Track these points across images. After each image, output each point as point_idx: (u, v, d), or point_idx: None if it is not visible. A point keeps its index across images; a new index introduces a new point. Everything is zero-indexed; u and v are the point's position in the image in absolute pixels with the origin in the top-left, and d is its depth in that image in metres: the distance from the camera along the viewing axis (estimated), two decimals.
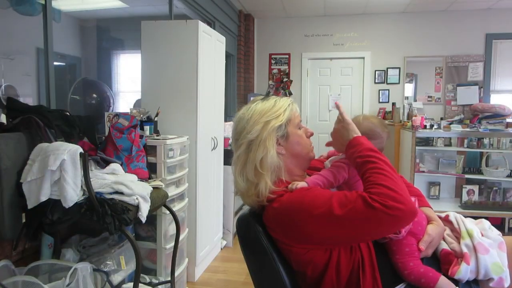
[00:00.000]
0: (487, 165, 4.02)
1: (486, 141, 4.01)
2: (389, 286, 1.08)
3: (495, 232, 1.21)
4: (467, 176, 4.08)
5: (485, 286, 1.12)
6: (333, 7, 5.31)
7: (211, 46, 2.95)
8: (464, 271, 1.09)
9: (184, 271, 2.54)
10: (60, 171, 1.41)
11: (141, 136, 2.17)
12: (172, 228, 2.29)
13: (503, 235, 1.21)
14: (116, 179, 1.60)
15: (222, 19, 4.75)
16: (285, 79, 5.91)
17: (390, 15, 5.51)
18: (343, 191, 1.05)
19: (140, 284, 1.75)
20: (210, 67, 2.94)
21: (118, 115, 2.25)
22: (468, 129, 4.04)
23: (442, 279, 1.06)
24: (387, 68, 5.62)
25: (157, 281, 2.19)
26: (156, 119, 2.58)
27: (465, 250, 1.13)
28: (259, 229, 1.16)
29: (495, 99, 5.32)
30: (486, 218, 1.39)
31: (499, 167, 3.96)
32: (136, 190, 1.60)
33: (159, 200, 1.90)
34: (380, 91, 5.67)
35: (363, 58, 5.68)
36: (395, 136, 4.41)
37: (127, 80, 3.90)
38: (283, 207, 1.08)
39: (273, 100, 1.21)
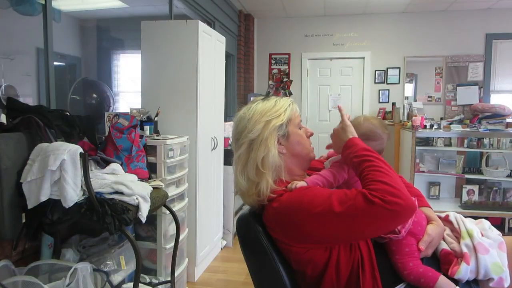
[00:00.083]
0: (487, 165, 4.02)
1: (486, 141, 4.01)
2: (389, 286, 1.08)
3: (495, 232, 1.21)
4: (467, 176, 4.08)
5: (485, 286, 1.12)
6: (333, 7, 5.31)
7: (211, 46, 2.95)
8: (464, 271, 1.09)
9: (184, 271, 2.54)
10: (60, 171, 1.41)
11: (141, 136, 2.17)
12: (172, 228, 2.29)
13: (503, 235, 1.21)
14: (116, 179, 1.60)
15: (222, 19, 4.75)
16: (285, 79, 5.91)
17: (390, 15, 5.51)
18: (342, 189, 1.05)
19: (140, 284, 1.75)
20: (210, 67, 2.94)
21: (118, 115, 2.25)
22: (468, 129, 4.04)
23: (442, 279, 1.06)
24: (387, 68, 5.62)
25: (157, 281, 2.19)
26: (156, 119, 2.58)
27: (465, 250, 1.13)
28: (259, 229, 1.16)
29: (495, 99, 5.32)
30: (486, 218, 1.39)
31: (499, 167, 3.96)
32: (136, 190, 1.60)
33: (159, 200, 1.90)
34: (380, 91, 5.68)
35: (363, 58, 5.68)
36: (395, 136, 4.41)
37: (127, 80, 3.90)
38: (283, 207, 1.08)
39: (274, 100, 1.22)
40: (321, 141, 5.24)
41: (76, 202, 1.44)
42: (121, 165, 1.76)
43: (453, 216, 1.26)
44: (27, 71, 2.55)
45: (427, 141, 4.10)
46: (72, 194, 1.41)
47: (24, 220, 1.47)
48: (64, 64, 3.16)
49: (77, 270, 1.43)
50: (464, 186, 4.02)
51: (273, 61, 5.95)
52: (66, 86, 2.87)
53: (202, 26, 2.73)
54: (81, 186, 1.45)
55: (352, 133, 1.16)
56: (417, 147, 3.89)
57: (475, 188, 3.98)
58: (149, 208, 1.65)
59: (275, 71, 5.95)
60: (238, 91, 5.49)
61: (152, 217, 2.22)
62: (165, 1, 3.56)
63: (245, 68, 5.70)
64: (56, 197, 1.42)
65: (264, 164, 1.12)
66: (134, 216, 1.56)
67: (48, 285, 1.40)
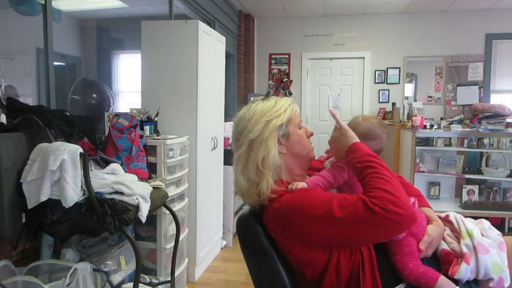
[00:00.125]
0: (487, 165, 4.02)
1: (486, 141, 4.01)
2: (389, 286, 1.08)
3: (495, 232, 1.21)
4: (467, 176, 4.08)
5: (485, 286, 1.12)
6: (333, 7, 5.31)
7: (211, 46, 2.95)
8: (464, 271, 1.09)
9: (184, 271, 2.54)
10: (60, 171, 1.41)
11: (141, 136, 2.17)
12: (172, 228, 2.29)
13: (503, 235, 1.21)
14: (116, 179, 1.60)
15: (222, 19, 4.75)
16: (285, 79, 5.91)
17: (390, 15, 5.51)
18: (343, 194, 1.05)
19: (140, 284, 1.75)
20: (210, 67, 2.94)
21: (118, 115, 2.25)
22: (468, 129, 4.04)
23: (442, 279, 1.06)
24: (387, 68, 5.62)
25: (157, 281, 2.19)
26: (156, 119, 2.58)
27: (465, 250, 1.13)
28: (259, 229, 1.16)
29: (495, 99, 5.32)
30: (486, 218, 1.39)
31: (499, 167, 3.96)
32: (136, 190, 1.60)
33: (159, 200, 1.90)
34: (380, 91, 5.68)
35: (363, 58, 5.68)
36: (395, 136, 4.41)
37: (127, 80, 3.90)
38: (283, 207, 1.08)
39: (274, 100, 1.22)
40: (321, 141, 5.24)
41: (76, 202, 1.44)
42: (121, 165, 1.76)
43: (453, 216, 1.26)
44: (27, 71, 2.55)
45: (427, 141, 4.10)
46: (72, 194, 1.41)
47: (24, 220, 1.47)
48: (64, 64, 3.16)
49: (77, 270, 1.43)
50: (464, 186, 4.02)
51: (273, 61, 5.95)
52: (66, 86, 2.87)
53: (202, 26, 2.73)
54: (81, 186, 1.45)
55: (354, 137, 1.15)
56: (417, 147, 3.89)
57: (475, 188, 3.98)
58: (149, 208, 1.65)
59: (275, 71, 5.95)
60: (238, 91, 5.49)
61: (152, 217, 2.22)
62: (165, 1, 3.56)
63: (245, 68, 5.71)
64: (56, 197, 1.42)
65: (264, 164, 1.12)
66: (134, 216, 1.56)
67: (48, 285, 1.40)
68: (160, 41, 2.74)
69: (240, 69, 5.56)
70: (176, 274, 2.22)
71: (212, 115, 3.05)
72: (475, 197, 3.97)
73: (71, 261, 1.63)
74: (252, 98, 5.79)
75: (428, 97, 5.57)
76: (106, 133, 2.03)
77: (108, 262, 1.72)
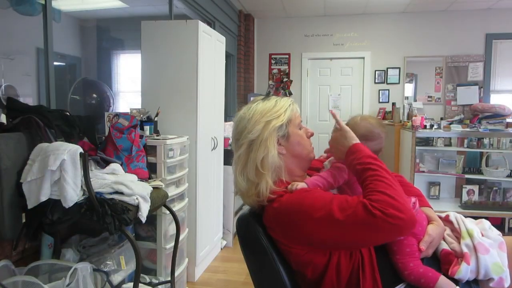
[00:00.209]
0: (487, 165, 4.02)
1: (486, 141, 4.01)
2: (389, 286, 1.08)
3: (495, 232, 1.21)
4: (467, 176, 4.08)
5: (485, 286, 1.12)
6: (333, 7, 5.31)
7: (211, 46, 2.95)
8: (465, 271, 1.09)
9: (184, 271, 2.54)
10: (60, 171, 1.41)
11: (141, 136, 2.17)
12: (172, 228, 2.29)
13: (503, 235, 1.21)
14: (116, 179, 1.60)
15: (222, 19, 4.75)
16: (285, 79, 5.92)
17: (390, 15, 5.51)
18: (344, 195, 1.05)
19: (140, 284, 1.75)
20: (210, 67, 2.94)
21: (118, 115, 2.25)
22: (468, 129, 4.04)
23: (442, 279, 1.06)
24: (387, 68, 5.62)
25: (157, 281, 2.19)
26: (156, 119, 2.58)
27: (465, 250, 1.13)
28: (259, 229, 1.16)
29: (495, 99, 5.32)
30: (486, 218, 1.39)
31: (499, 167, 3.96)
32: (136, 190, 1.60)
33: (159, 200, 1.90)
34: (380, 91, 5.68)
35: (363, 58, 5.68)
36: (395, 136, 4.41)
37: (127, 80, 3.90)
38: (283, 208, 1.08)
39: (274, 100, 1.21)
40: (321, 141, 5.23)
41: (76, 202, 1.44)
42: (121, 165, 1.76)
43: (453, 216, 1.26)
44: (27, 71, 2.55)
45: (427, 141, 4.10)
46: (72, 194, 1.41)
47: (24, 220, 1.47)
48: (64, 64, 3.16)
49: (77, 270, 1.43)
50: (464, 186, 4.02)
51: (273, 61, 5.95)
52: (66, 86, 2.87)
53: (202, 26, 2.73)
54: (81, 186, 1.45)
55: (354, 138, 1.15)
56: (417, 147, 3.89)
57: (475, 188, 3.98)
58: (149, 208, 1.65)
59: (275, 71, 5.95)
60: (238, 91, 5.49)
61: (152, 217, 2.22)
62: (165, 1, 3.56)
63: (245, 68, 5.71)
64: (56, 197, 1.42)
65: (263, 165, 1.12)
66: (134, 216, 1.56)
67: (48, 285, 1.40)
68: (160, 41, 2.74)
69: (240, 69, 5.55)
70: (176, 274, 2.22)
71: (212, 115, 3.05)
72: (475, 197, 3.97)
73: (71, 261, 1.63)
74: (252, 98, 5.78)
75: (428, 97, 5.57)
76: (106, 133, 2.03)
77: (108, 262, 1.72)
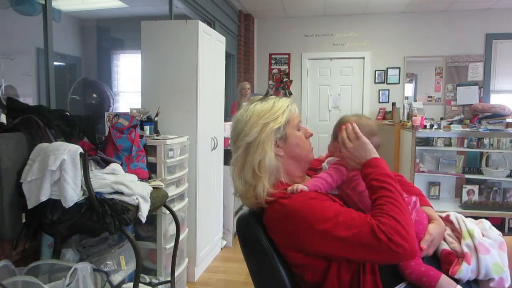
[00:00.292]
0: (487, 165, 4.02)
1: (486, 141, 4.01)
2: (390, 285, 1.08)
3: (495, 232, 1.21)
4: (467, 176, 4.08)
5: (485, 286, 1.12)
6: (333, 7, 5.31)
7: (211, 46, 2.95)
8: (465, 271, 1.09)
9: (184, 271, 2.54)
10: (60, 171, 1.41)
11: (141, 136, 2.17)
12: (172, 228, 2.29)
13: (503, 235, 1.21)
14: (116, 179, 1.60)
15: (222, 19, 4.75)
16: (285, 79, 5.92)
17: (390, 15, 5.51)
18: (350, 212, 1.04)
19: (140, 284, 1.75)
20: (210, 67, 2.94)
21: (118, 115, 2.25)
22: (468, 129, 4.04)
23: (443, 278, 1.06)
24: (387, 68, 5.62)
25: (157, 281, 2.19)
26: (156, 119, 2.58)
27: (466, 250, 1.13)
28: (259, 229, 1.16)
29: (495, 99, 5.33)
30: (486, 218, 1.39)
31: (499, 167, 3.96)
32: (136, 190, 1.60)
33: (159, 200, 1.90)
34: (380, 91, 5.68)
35: (363, 58, 5.68)
36: (395, 136, 4.40)
37: (127, 80, 3.90)
38: (285, 211, 1.07)
39: (272, 101, 1.20)
40: (321, 141, 5.24)
41: (76, 202, 1.43)
42: (121, 165, 1.76)
43: (454, 216, 1.26)
44: (27, 71, 2.55)
45: (427, 141, 4.10)
46: (72, 194, 1.41)
47: (24, 220, 1.47)
48: (64, 64, 3.17)
49: (77, 270, 1.42)
50: (464, 186, 4.02)
51: (273, 61, 5.95)
52: (66, 86, 2.87)
53: (202, 26, 2.73)
54: (81, 186, 1.45)
55: (375, 152, 1.14)
56: (417, 147, 3.89)
57: (475, 188, 3.98)
58: (149, 208, 1.65)
59: (275, 71, 5.95)
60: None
61: (152, 217, 2.22)
62: (165, 1, 3.56)
63: (245, 68, 5.71)
64: (56, 197, 1.41)
65: (260, 168, 1.11)
66: (134, 216, 1.56)
67: (48, 285, 1.40)
68: (160, 41, 2.74)
69: (240, 69, 5.56)
70: (176, 274, 2.22)
71: (212, 115, 3.05)
72: (475, 197, 3.97)
73: (71, 261, 1.63)
74: (251, 98, 5.78)
75: (428, 97, 5.57)
76: (106, 133, 2.03)
77: (108, 262, 1.72)
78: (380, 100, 5.68)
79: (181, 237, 2.26)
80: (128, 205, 1.54)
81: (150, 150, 2.28)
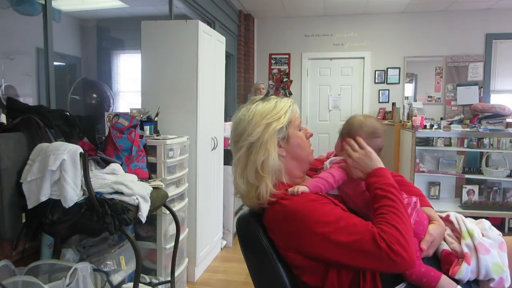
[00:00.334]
0: (487, 165, 4.02)
1: (486, 141, 4.01)
2: (390, 286, 1.08)
3: (495, 232, 1.21)
4: (467, 176, 4.08)
5: (485, 286, 1.12)
6: (333, 7, 5.31)
7: (211, 46, 2.95)
8: (465, 271, 1.08)
9: (184, 271, 2.54)
10: (60, 171, 1.41)
11: (141, 136, 2.17)
12: (172, 228, 2.29)
13: (503, 235, 1.21)
14: (116, 179, 1.60)
15: (222, 19, 4.75)
16: (285, 79, 5.92)
17: (390, 15, 5.51)
18: (352, 218, 1.04)
19: (140, 284, 1.75)
20: (210, 67, 2.94)
21: (118, 115, 2.25)
22: (468, 129, 4.04)
23: (444, 278, 1.06)
24: (387, 68, 5.62)
25: (157, 281, 2.19)
26: (156, 119, 2.58)
27: (465, 250, 1.13)
28: (259, 229, 1.16)
29: (495, 99, 5.33)
30: (486, 218, 1.39)
31: (499, 167, 3.96)
32: (136, 190, 1.60)
33: (159, 200, 1.90)
34: (380, 91, 5.68)
35: (363, 58, 5.68)
36: (395, 136, 4.41)
37: (127, 80, 3.90)
38: (285, 212, 1.07)
39: (274, 101, 1.19)
40: (321, 141, 5.24)
41: (76, 202, 1.43)
42: (121, 165, 1.76)
43: (454, 216, 1.26)
44: (27, 71, 2.55)
45: (427, 141, 4.10)
46: (72, 194, 1.41)
47: (24, 220, 1.47)
48: (64, 64, 3.17)
49: (77, 270, 1.42)
50: (464, 186, 4.02)
51: (273, 61, 5.95)
52: (66, 86, 2.87)
53: (202, 26, 2.73)
54: (81, 186, 1.45)
55: (380, 162, 1.15)
56: (417, 147, 3.89)
57: (475, 188, 3.98)
58: (149, 208, 1.65)
59: (275, 71, 5.95)
60: (238, 91, 5.50)
61: (152, 217, 2.22)
62: (165, 1, 3.56)
63: (245, 68, 5.71)
64: (56, 197, 1.41)
65: (263, 168, 1.11)
66: (134, 216, 1.56)
67: (48, 285, 1.40)
68: (160, 41, 2.74)
69: (240, 69, 5.56)
70: (176, 274, 2.22)
71: (212, 115, 3.05)
72: (475, 197, 3.97)
73: (71, 261, 1.63)
74: (251, 98, 5.78)
75: (428, 97, 5.57)
76: (106, 133, 2.03)
77: (108, 262, 1.72)
78: (380, 100, 5.68)
79: (181, 237, 2.26)
80: (128, 205, 1.54)
81: (150, 150, 2.28)
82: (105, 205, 1.46)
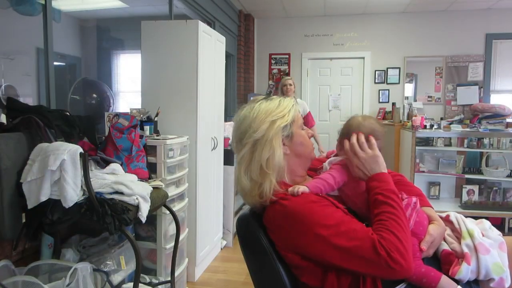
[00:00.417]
0: (487, 165, 4.02)
1: (486, 141, 4.01)
2: (389, 286, 1.08)
3: (495, 232, 1.21)
4: (467, 176, 4.08)
5: (485, 286, 1.12)
6: (333, 7, 5.31)
7: (211, 46, 2.95)
8: (465, 271, 1.08)
9: (184, 271, 2.54)
10: (60, 171, 1.41)
11: (141, 136, 2.17)
12: (172, 228, 2.29)
13: (503, 235, 1.21)
14: (116, 179, 1.60)
15: (222, 19, 4.75)
16: None
17: (390, 15, 5.51)
18: (352, 223, 1.04)
19: (140, 284, 1.75)
20: (210, 67, 2.94)
21: (118, 115, 2.25)
22: (468, 129, 4.04)
23: (444, 279, 1.06)
24: (387, 68, 5.62)
25: (157, 281, 2.19)
26: (156, 119, 2.58)
27: (466, 250, 1.13)
28: (259, 229, 1.16)
29: (495, 99, 5.33)
30: (486, 218, 1.39)
31: (499, 167, 3.96)
32: (136, 190, 1.60)
33: (159, 200, 1.90)
34: (380, 91, 5.68)
35: (363, 58, 5.68)
36: (395, 136, 4.41)
37: (127, 80, 3.90)
38: (286, 212, 1.07)
39: (277, 100, 1.21)
40: (321, 141, 5.24)
41: (76, 202, 1.43)
42: (121, 165, 1.76)
43: (454, 216, 1.25)
44: (27, 71, 2.55)
45: (427, 141, 4.10)
46: (72, 194, 1.41)
47: (24, 220, 1.47)
48: (64, 64, 3.17)
49: (77, 270, 1.43)
50: (464, 186, 4.02)
51: (273, 61, 5.95)
52: (66, 86, 2.87)
53: (202, 26, 2.73)
54: (81, 186, 1.45)
55: (384, 167, 1.15)
56: (417, 147, 3.89)
57: (475, 188, 3.98)
58: (149, 208, 1.65)
59: (275, 71, 5.95)
60: (238, 91, 5.49)
61: (152, 217, 2.22)
62: (165, 1, 3.56)
63: (245, 68, 5.71)
64: (56, 197, 1.41)
65: (269, 165, 1.11)
66: (134, 216, 1.56)
67: (48, 285, 1.40)
68: (160, 41, 2.74)
69: (240, 69, 5.56)
70: (176, 274, 2.22)
71: (212, 115, 3.05)
72: (475, 197, 3.97)
73: (71, 261, 1.63)
74: (252, 98, 5.78)
75: (428, 97, 5.57)
76: (106, 133, 2.03)
77: (108, 262, 1.72)
78: (380, 100, 5.68)
79: (181, 237, 2.26)
80: (128, 205, 1.54)
81: (150, 150, 2.28)
82: (105, 205, 1.46)
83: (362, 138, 1.17)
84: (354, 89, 5.77)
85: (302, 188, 1.10)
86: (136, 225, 2.28)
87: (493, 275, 1.09)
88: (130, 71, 3.85)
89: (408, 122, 4.25)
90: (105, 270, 1.64)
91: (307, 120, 4.23)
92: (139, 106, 2.76)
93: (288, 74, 5.88)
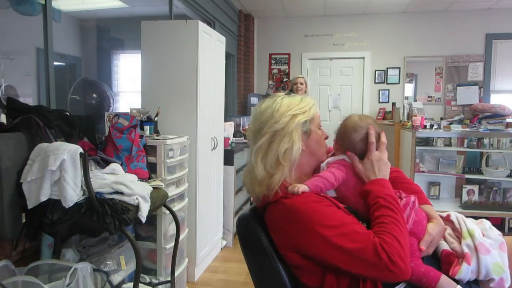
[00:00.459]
0: (487, 165, 4.02)
1: (486, 141, 4.01)
2: (390, 286, 1.08)
3: (495, 232, 1.21)
4: (467, 176, 4.08)
5: (485, 286, 1.12)
6: (333, 7, 5.31)
7: (211, 46, 2.95)
8: (465, 271, 1.08)
9: (184, 271, 2.54)
10: (60, 171, 1.41)
11: (141, 136, 2.17)
12: (172, 228, 2.29)
13: (503, 235, 1.21)
14: (116, 179, 1.60)
15: (222, 19, 4.75)
16: (285, 79, 5.91)
17: (390, 15, 5.51)
18: (356, 223, 1.04)
19: (140, 284, 1.75)
20: (210, 67, 2.94)
21: (118, 115, 2.25)
22: (468, 129, 4.04)
23: (443, 278, 1.06)
24: (387, 68, 5.62)
25: (157, 281, 2.19)
26: (156, 119, 2.57)
27: (466, 250, 1.13)
28: (259, 229, 1.16)
29: (495, 99, 5.33)
30: (486, 218, 1.39)
31: (499, 167, 3.96)
32: (136, 190, 1.60)
33: (159, 200, 1.90)
34: (380, 91, 5.68)
35: (363, 58, 5.68)
36: (395, 136, 4.41)
37: (127, 80, 3.90)
38: (287, 210, 1.07)
39: (299, 97, 1.23)
40: None
41: (76, 202, 1.43)
42: (121, 165, 1.76)
43: (454, 216, 1.25)
44: (27, 71, 2.55)
45: (427, 141, 4.10)
46: (72, 194, 1.41)
47: (24, 220, 1.47)
48: (64, 64, 3.17)
49: (77, 270, 1.42)
50: (464, 186, 4.02)
51: (273, 61, 5.95)
52: (66, 86, 2.87)
53: (202, 26, 2.73)
54: (81, 186, 1.45)
55: (387, 174, 1.18)
56: (417, 147, 3.89)
57: (475, 188, 3.98)
58: (149, 208, 1.65)
59: (275, 71, 5.95)
60: (238, 91, 5.49)
61: (152, 217, 2.22)
62: (165, 1, 3.56)
63: (245, 68, 5.71)
64: (56, 197, 1.41)
65: (285, 157, 1.12)
66: (134, 216, 1.56)
67: (48, 285, 1.40)
68: (160, 41, 2.74)
69: (240, 69, 5.56)
70: (176, 274, 2.22)
71: (212, 115, 3.05)
72: (475, 197, 3.97)
73: (71, 261, 1.63)
74: (252, 98, 5.77)
75: (428, 97, 5.57)
76: (106, 133, 2.03)
77: (108, 262, 1.72)
78: (380, 100, 5.68)
79: (181, 237, 2.26)
80: (128, 205, 1.54)
81: (150, 150, 2.28)
82: (105, 205, 1.46)
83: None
84: (354, 89, 5.77)
85: (302, 187, 1.10)
86: (136, 225, 2.28)
87: (493, 275, 1.09)
88: (130, 71, 3.85)
89: (408, 122, 4.25)
90: (105, 270, 1.64)
91: None
92: (139, 106, 2.76)
93: (288, 74, 5.88)
